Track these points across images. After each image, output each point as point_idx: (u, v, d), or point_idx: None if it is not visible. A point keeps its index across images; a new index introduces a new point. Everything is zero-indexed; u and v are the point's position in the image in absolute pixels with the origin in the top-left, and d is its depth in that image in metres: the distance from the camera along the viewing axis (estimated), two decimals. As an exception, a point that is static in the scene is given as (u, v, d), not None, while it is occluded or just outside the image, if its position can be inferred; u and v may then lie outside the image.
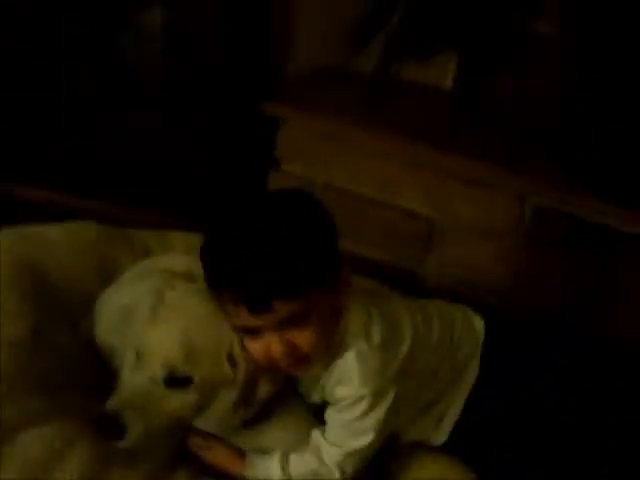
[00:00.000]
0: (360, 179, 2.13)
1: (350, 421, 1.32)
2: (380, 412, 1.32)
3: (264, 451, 1.37)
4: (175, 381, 1.27)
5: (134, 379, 1.27)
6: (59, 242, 1.72)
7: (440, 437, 1.48)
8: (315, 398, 1.40)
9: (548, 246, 2.00)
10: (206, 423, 1.34)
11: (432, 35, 2.43)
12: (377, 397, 1.31)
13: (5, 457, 1.18)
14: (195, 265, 1.42)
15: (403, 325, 1.39)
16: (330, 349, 1.31)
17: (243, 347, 1.31)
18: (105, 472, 1.21)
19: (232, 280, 1.22)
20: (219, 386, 1.30)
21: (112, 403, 1.24)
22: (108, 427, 1.21)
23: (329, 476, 1.33)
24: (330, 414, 1.36)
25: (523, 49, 2.35)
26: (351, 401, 1.31)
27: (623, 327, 1.99)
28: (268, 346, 1.26)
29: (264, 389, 1.33)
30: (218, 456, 1.36)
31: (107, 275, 1.67)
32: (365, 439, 1.33)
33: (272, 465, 1.34)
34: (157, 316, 1.31)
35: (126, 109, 2.31)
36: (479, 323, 1.52)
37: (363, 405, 1.31)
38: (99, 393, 1.36)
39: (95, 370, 1.46)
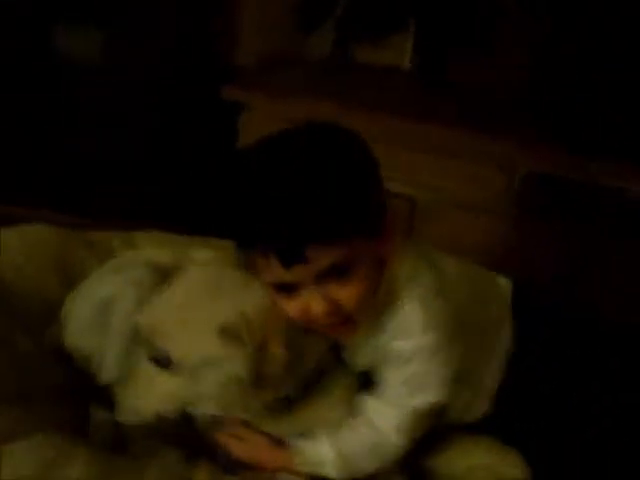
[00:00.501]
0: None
1: (412, 375, 1.14)
2: (444, 366, 1.15)
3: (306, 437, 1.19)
4: (158, 361, 1.15)
5: (129, 359, 1.20)
6: (13, 247, 1.57)
7: (475, 413, 1.32)
8: (363, 362, 1.22)
9: (538, 214, 1.91)
10: (213, 408, 1.17)
11: (385, 15, 2.36)
12: (441, 347, 1.14)
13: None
14: (179, 257, 1.35)
15: (452, 275, 1.23)
16: (377, 305, 1.13)
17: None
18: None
19: (257, 226, 1.02)
20: (212, 364, 1.12)
21: (104, 376, 1.22)
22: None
23: (389, 444, 1.17)
24: (387, 373, 1.17)
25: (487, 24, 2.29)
26: (413, 352, 1.14)
27: (613, 296, 1.92)
28: (307, 305, 1.07)
29: (278, 363, 1.12)
30: (253, 448, 1.18)
31: (69, 280, 1.53)
32: (427, 396, 1.15)
33: (322, 448, 1.17)
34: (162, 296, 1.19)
35: (77, 109, 2.16)
36: (506, 284, 1.37)
37: (426, 355, 1.13)
38: (71, 400, 1.28)
39: (64, 378, 1.34)
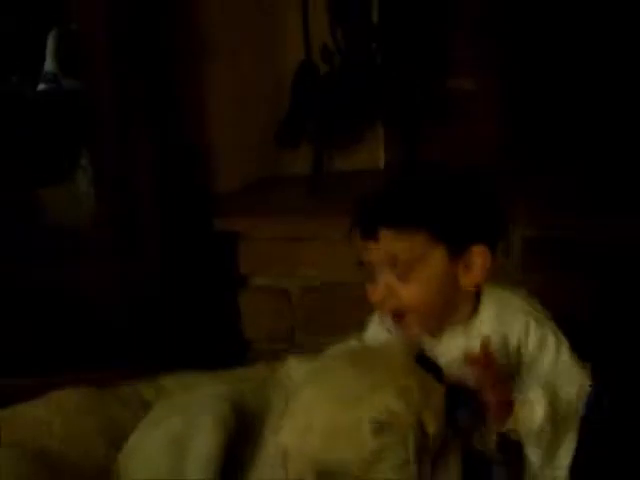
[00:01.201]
0: (336, 268, 2.04)
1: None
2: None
3: None
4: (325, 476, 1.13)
5: None
6: (50, 417, 1.57)
7: None
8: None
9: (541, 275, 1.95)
10: None
11: (353, 120, 2.45)
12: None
13: None
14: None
15: None
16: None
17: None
18: None
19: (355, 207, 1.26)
20: (376, 461, 1.14)
21: None
22: None
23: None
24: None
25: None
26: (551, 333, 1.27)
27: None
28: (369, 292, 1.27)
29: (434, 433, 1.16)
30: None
31: (113, 440, 1.53)
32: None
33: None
34: (288, 414, 1.20)
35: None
36: None
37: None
38: None
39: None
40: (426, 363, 1.26)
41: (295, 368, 1.27)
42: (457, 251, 1.24)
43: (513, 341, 1.27)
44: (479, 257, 1.25)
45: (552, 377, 1.27)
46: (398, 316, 1.26)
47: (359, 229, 1.24)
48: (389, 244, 1.22)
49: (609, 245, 1.93)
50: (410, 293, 1.23)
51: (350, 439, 1.13)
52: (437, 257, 1.23)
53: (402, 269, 1.22)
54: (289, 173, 2.43)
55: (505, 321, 1.28)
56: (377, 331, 1.38)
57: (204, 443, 1.32)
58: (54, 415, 1.57)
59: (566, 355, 1.28)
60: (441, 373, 1.26)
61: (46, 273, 2.24)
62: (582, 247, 1.94)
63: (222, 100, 2.36)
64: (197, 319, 2.22)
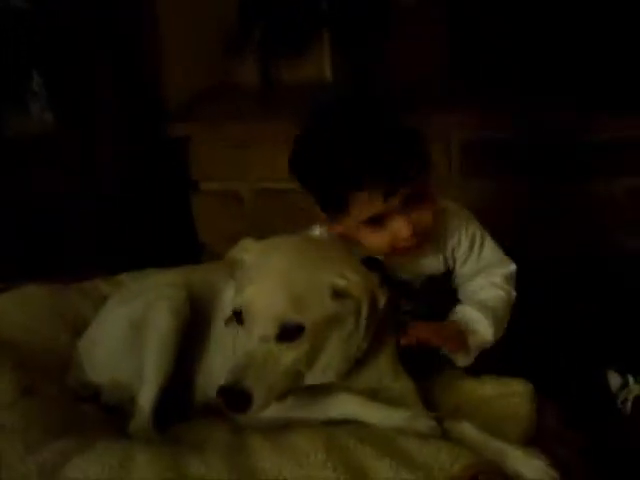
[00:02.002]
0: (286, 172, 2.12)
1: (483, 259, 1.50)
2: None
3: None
4: (286, 334, 1.20)
5: (244, 346, 1.21)
6: (14, 309, 1.67)
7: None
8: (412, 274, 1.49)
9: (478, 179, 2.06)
10: (323, 375, 1.28)
11: (299, 30, 2.49)
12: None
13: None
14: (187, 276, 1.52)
15: None
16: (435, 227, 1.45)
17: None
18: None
19: (371, 171, 1.32)
20: (330, 327, 1.25)
21: (229, 376, 1.17)
22: (231, 401, 1.17)
23: (509, 294, 1.49)
24: (464, 269, 1.51)
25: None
26: (479, 236, 1.50)
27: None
28: (395, 232, 1.37)
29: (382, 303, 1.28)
30: (443, 331, 1.42)
31: (74, 329, 1.63)
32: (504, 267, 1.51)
33: (473, 312, 1.45)
34: (246, 278, 1.25)
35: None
36: None
37: (487, 238, 1.51)
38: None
39: (96, 411, 1.43)
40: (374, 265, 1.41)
41: (249, 246, 1.33)
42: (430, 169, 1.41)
43: (452, 243, 1.49)
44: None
45: (483, 264, 1.51)
46: (418, 243, 1.41)
47: (380, 193, 1.33)
48: (407, 189, 1.34)
49: (543, 146, 2.05)
50: (427, 215, 1.39)
51: (313, 301, 1.22)
52: (427, 178, 1.40)
53: (417, 200, 1.37)
54: (239, 83, 2.48)
55: (447, 229, 1.49)
56: None
57: (161, 326, 1.40)
58: (17, 307, 1.67)
59: (490, 245, 1.52)
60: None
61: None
62: (517, 148, 2.05)
63: (173, 12, 2.41)
64: (152, 224, 2.29)
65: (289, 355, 1.21)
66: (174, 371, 1.39)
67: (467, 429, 1.26)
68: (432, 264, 1.50)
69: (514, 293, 1.50)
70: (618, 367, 1.59)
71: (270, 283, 1.22)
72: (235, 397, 1.16)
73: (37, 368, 1.51)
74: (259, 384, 1.17)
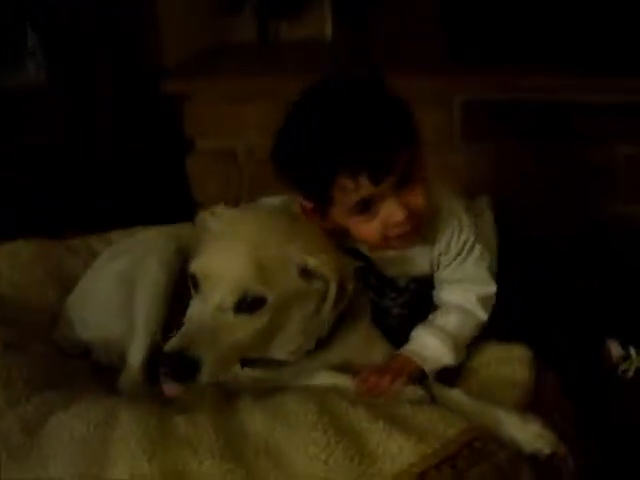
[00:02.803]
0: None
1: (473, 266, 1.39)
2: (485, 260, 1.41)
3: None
4: (245, 305, 1.16)
5: (198, 313, 1.17)
6: (2, 264, 1.63)
7: None
8: (399, 272, 1.41)
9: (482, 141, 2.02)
10: (279, 351, 1.26)
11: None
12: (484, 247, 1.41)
13: (52, 439, 1.12)
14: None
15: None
16: (429, 217, 1.35)
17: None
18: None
19: (354, 151, 1.22)
20: (292, 304, 1.21)
21: (176, 342, 1.12)
22: (177, 368, 1.11)
23: (476, 317, 1.38)
24: (444, 274, 1.41)
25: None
26: (469, 246, 1.39)
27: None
28: (388, 217, 1.27)
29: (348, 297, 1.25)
30: (379, 376, 1.28)
31: (63, 285, 1.60)
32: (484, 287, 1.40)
33: (428, 339, 1.35)
34: (210, 244, 1.22)
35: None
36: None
37: (477, 250, 1.40)
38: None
39: (82, 369, 1.41)
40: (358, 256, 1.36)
41: (220, 212, 1.30)
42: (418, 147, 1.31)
43: (440, 248, 1.39)
44: (421, 148, 1.32)
45: (461, 276, 1.41)
46: (413, 229, 1.31)
47: (372, 170, 1.23)
48: (397, 167, 1.25)
49: (544, 104, 2.00)
50: (421, 196, 1.29)
51: (279, 275, 1.18)
52: (415, 153, 1.29)
53: (408, 180, 1.27)
54: (237, 41, 2.43)
55: (439, 232, 1.39)
56: None
57: (151, 279, 1.37)
58: (4, 261, 1.63)
59: (475, 259, 1.41)
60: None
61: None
62: (518, 108, 2.00)
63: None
64: (146, 182, 2.27)
65: (246, 328, 1.17)
66: (166, 324, 1.35)
67: (456, 396, 1.24)
68: (419, 264, 1.41)
69: (485, 317, 1.39)
70: (620, 339, 1.57)
71: (236, 250, 1.17)
72: (180, 364, 1.11)
73: (24, 324, 1.48)
74: (209, 353, 1.12)
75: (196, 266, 1.18)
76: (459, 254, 1.39)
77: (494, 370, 1.35)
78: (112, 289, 1.42)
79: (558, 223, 2.02)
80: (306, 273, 1.20)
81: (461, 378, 1.35)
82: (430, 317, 1.39)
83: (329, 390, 1.24)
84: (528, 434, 1.17)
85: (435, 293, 1.43)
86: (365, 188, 1.24)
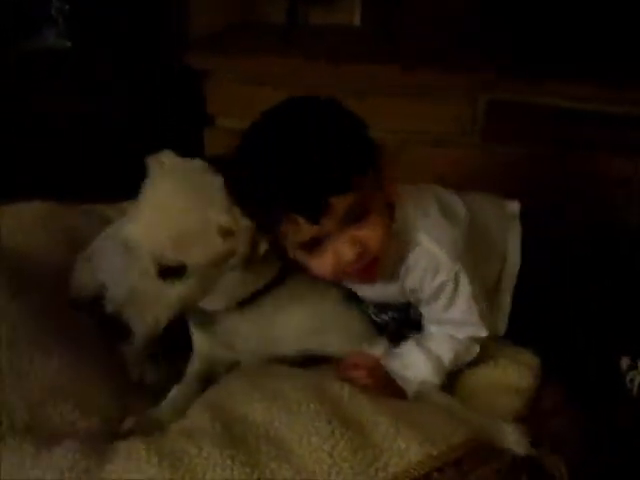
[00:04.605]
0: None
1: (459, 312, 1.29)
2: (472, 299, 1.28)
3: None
4: (170, 272, 1.19)
5: (127, 278, 1.20)
6: (17, 222, 1.63)
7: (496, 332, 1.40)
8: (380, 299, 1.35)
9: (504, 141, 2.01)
10: (216, 303, 1.27)
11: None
12: (462, 276, 1.26)
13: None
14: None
15: (454, 202, 1.35)
16: (397, 246, 1.25)
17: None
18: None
19: (284, 192, 1.14)
20: (220, 263, 1.21)
21: (109, 305, 1.19)
22: (113, 330, 1.18)
23: (471, 351, 1.32)
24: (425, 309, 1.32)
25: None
26: (448, 291, 1.27)
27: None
28: (337, 253, 1.19)
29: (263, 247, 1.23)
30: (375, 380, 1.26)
31: (72, 244, 1.60)
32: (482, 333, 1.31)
33: (416, 355, 1.29)
34: (136, 210, 1.23)
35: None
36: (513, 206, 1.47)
37: (462, 297, 1.27)
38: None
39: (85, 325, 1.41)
40: None
41: (166, 159, 1.27)
42: (377, 174, 1.22)
43: (412, 284, 1.30)
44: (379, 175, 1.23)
45: (447, 319, 1.31)
46: (368, 266, 1.23)
47: (307, 212, 1.14)
48: (340, 205, 1.15)
49: (569, 112, 1.99)
50: (373, 232, 1.19)
51: (200, 239, 1.18)
52: (370, 187, 1.19)
53: (358, 217, 1.18)
54: (264, 22, 2.42)
55: (409, 269, 1.29)
56: None
57: None
58: (12, 220, 1.63)
59: (462, 306, 1.30)
60: None
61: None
62: (542, 112, 1.99)
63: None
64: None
65: (174, 290, 1.20)
66: None
67: (448, 401, 1.24)
68: (391, 293, 1.32)
69: (477, 351, 1.32)
70: (629, 350, 1.55)
71: (156, 220, 1.19)
72: (115, 326, 1.17)
73: (32, 275, 1.47)
74: (139, 317, 1.18)
75: (125, 232, 1.22)
76: (436, 298, 1.28)
77: (497, 373, 1.34)
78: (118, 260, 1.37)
79: (576, 229, 2.01)
80: (227, 232, 1.20)
81: (461, 378, 1.34)
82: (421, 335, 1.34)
83: (325, 377, 1.24)
84: (522, 445, 1.15)
85: (423, 324, 1.36)
86: (306, 229, 1.16)
